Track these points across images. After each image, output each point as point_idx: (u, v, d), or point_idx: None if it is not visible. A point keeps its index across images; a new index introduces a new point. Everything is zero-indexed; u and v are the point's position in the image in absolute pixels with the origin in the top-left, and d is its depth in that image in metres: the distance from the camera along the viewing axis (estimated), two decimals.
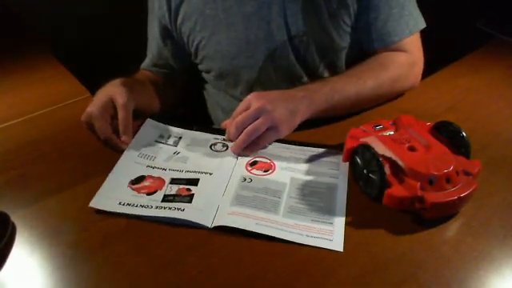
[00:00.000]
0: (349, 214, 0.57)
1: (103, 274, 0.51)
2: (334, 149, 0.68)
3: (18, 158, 0.71)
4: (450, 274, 0.49)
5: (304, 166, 0.65)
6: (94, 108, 0.68)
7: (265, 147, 0.68)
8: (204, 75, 0.93)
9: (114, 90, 0.70)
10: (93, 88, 0.91)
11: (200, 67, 0.91)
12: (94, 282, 0.50)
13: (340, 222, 0.55)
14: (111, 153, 0.71)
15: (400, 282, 0.48)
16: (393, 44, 0.80)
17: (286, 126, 0.67)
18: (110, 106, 0.69)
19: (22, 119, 0.82)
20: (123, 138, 0.69)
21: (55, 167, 0.68)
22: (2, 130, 0.79)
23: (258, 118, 0.64)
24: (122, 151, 0.68)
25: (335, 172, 0.64)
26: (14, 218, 0.58)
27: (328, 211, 0.57)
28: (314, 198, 0.59)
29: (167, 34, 0.87)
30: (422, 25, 0.81)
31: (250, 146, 0.66)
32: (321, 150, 0.69)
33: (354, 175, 0.62)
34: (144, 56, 0.97)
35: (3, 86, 0.93)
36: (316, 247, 0.52)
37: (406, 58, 0.81)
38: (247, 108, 0.66)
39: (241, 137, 0.65)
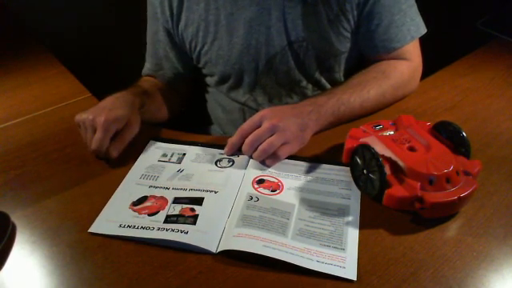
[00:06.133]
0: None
1: (103, 273, 0.51)
2: (346, 166, 0.64)
3: (18, 157, 0.71)
4: (450, 273, 0.49)
5: (313, 186, 0.62)
6: (102, 117, 0.66)
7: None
8: (206, 78, 0.94)
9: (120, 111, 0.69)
10: (93, 88, 0.91)
11: (203, 71, 0.92)
12: (94, 282, 0.50)
13: (353, 247, 0.52)
14: None
15: (400, 282, 0.48)
16: (394, 50, 0.80)
17: (297, 142, 0.68)
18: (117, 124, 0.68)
19: (22, 119, 0.82)
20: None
21: (55, 167, 0.68)
22: (2, 130, 0.79)
23: (271, 135, 0.65)
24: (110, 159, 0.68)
25: (347, 192, 0.61)
26: (14, 218, 0.58)
27: (340, 236, 0.54)
28: (324, 221, 0.56)
29: (172, 38, 0.88)
30: (424, 30, 0.82)
31: (269, 160, 0.66)
32: (331, 167, 0.66)
33: (354, 175, 0.62)
34: (143, 56, 0.97)
35: (3, 85, 0.94)
36: (327, 274, 0.49)
37: (408, 64, 0.81)
38: (257, 124, 0.66)
39: (256, 153, 0.65)
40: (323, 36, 0.79)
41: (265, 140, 0.65)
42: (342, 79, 0.87)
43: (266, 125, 0.65)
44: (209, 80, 0.93)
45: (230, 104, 0.93)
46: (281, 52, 0.81)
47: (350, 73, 0.83)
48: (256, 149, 0.65)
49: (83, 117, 0.68)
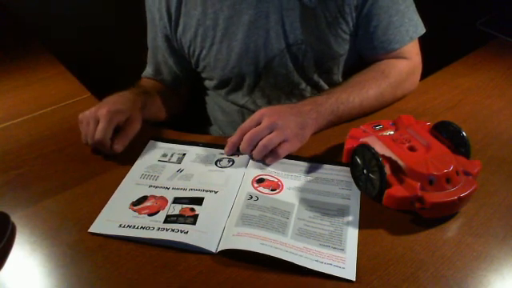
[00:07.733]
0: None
1: (103, 273, 0.51)
2: (346, 166, 0.64)
3: (18, 157, 0.71)
4: (450, 273, 0.49)
5: (313, 186, 0.62)
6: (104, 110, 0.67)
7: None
8: (205, 82, 0.94)
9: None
10: (93, 88, 0.91)
11: (202, 75, 0.92)
12: (94, 282, 0.50)
13: (352, 248, 0.52)
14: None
15: (400, 282, 0.48)
16: (393, 51, 0.80)
17: (297, 140, 0.68)
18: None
19: (22, 119, 0.82)
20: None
21: (55, 167, 0.68)
22: (2, 130, 0.79)
23: (269, 133, 0.65)
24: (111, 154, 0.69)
25: (347, 192, 0.61)
26: (13, 218, 0.58)
27: (339, 236, 0.54)
28: (324, 221, 0.56)
29: (170, 43, 0.88)
30: (422, 30, 0.82)
31: (269, 159, 0.66)
32: (331, 167, 0.66)
33: (354, 175, 0.62)
34: (144, 56, 0.97)
35: (3, 85, 0.93)
36: (326, 274, 0.49)
37: (407, 64, 0.81)
38: (257, 123, 0.66)
39: (256, 150, 0.65)
40: (322, 38, 0.79)
41: (264, 137, 0.65)
42: (341, 81, 0.87)
43: (265, 122, 0.65)
44: (208, 83, 0.93)
45: (229, 106, 0.93)
46: (279, 55, 0.81)
47: (348, 74, 0.83)
48: (255, 147, 0.65)
49: (85, 112, 0.70)
